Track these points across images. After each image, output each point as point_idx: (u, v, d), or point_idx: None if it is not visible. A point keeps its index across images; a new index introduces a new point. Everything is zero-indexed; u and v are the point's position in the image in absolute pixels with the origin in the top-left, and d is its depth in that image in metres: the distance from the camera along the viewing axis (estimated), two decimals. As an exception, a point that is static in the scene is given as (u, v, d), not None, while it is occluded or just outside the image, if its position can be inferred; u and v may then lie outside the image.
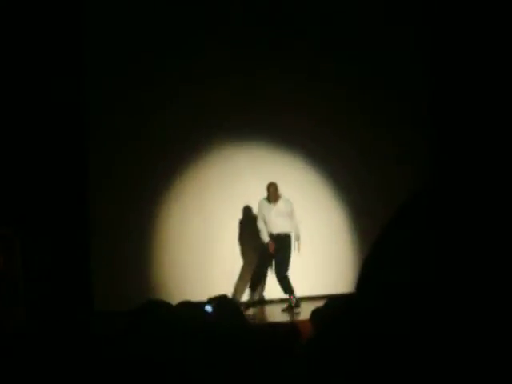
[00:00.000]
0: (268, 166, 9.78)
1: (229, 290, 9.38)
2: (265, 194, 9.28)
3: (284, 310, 9.05)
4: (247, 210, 9.82)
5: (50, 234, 8.61)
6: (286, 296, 9.13)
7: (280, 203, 9.29)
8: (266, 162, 9.84)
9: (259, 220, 9.31)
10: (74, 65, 8.92)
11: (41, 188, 8.71)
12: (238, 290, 9.73)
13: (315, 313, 3.74)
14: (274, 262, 9.20)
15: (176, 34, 9.60)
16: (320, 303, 3.76)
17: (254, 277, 9.31)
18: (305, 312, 7.21)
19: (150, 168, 9.47)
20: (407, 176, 9.90)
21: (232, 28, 9.70)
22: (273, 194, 9.30)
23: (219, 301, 2.83)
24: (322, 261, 9.94)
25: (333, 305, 2.98)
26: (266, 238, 9.19)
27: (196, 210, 9.66)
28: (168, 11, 9.56)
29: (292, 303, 9.08)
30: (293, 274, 9.19)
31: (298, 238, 9.28)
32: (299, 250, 9.23)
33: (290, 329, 3.83)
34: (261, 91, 9.80)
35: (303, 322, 4.58)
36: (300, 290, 9.30)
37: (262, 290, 9.52)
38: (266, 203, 9.34)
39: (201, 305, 2.85)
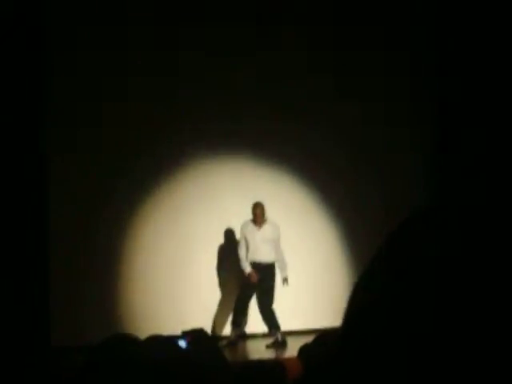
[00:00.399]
0: (252, 183, 9.45)
1: (206, 324, 9.00)
2: (249, 214, 8.95)
3: (269, 346, 8.78)
4: (228, 233, 9.52)
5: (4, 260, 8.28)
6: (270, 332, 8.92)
7: (266, 227, 8.97)
8: (250, 178, 9.49)
9: (241, 246, 8.97)
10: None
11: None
12: (217, 323, 9.48)
13: (304, 349, 3.52)
14: (256, 294, 8.89)
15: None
16: (310, 338, 3.57)
17: (236, 309, 9.00)
18: (293, 348, 6.93)
19: (117, 183, 9.10)
20: (406, 193, 9.75)
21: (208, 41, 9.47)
22: (259, 216, 8.94)
23: (195, 335, 2.60)
24: (314, 291, 9.71)
25: (322, 341, 2.77)
26: (247, 269, 8.85)
27: (170, 231, 9.31)
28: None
29: (278, 339, 8.80)
30: (280, 305, 8.99)
31: (284, 269, 9.01)
32: (287, 283, 8.98)
33: (275, 367, 3.62)
34: (245, 97, 9.54)
35: (290, 359, 4.36)
36: (289, 324, 9.09)
37: (244, 323, 9.25)
38: (250, 226, 8.97)
39: (173, 339, 2.62)
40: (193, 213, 9.36)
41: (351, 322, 0.85)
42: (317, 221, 9.82)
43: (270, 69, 9.57)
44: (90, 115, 9.04)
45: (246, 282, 8.83)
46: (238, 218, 9.07)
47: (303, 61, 9.73)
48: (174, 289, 9.26)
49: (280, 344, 8.72)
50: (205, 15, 9.42)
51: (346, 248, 9.88)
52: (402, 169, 9.96)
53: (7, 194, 8.49)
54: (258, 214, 8.89)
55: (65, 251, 8.83)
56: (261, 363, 3.80)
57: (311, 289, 9.66)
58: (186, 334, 2.67)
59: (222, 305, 9.43)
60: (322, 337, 2.70)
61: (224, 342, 8.67)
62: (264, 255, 8.85)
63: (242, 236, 8.94)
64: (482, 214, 0.79)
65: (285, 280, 8.92)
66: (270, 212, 9.03)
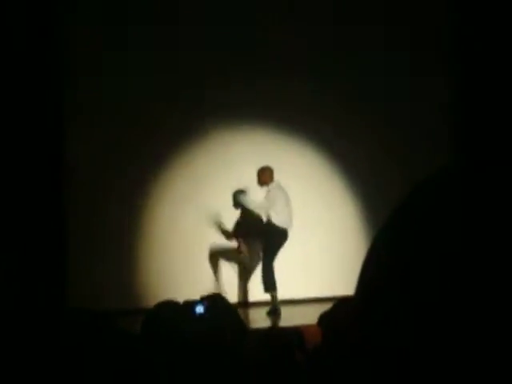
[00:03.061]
0: (268, 152, 9.25)
1: (226, 290, 8.99)
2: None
3: (268, 313, 8.54)
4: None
5: (23, 231, 8.29)
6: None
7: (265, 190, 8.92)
8: (266, 148, 9.32)
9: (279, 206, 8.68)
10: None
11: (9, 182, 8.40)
12: (241, 288, 9.40)
13: (324, 317, 3.48)
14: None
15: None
16: (327, 306, 3.53)
17: (265, 274, 8.72)
18: (306, 316, 6.86)
19: (135, 155, 9.07)
20: (429, 166, 9.56)
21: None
22: (262, 180, 8.82)
23: (212, 300, 2.56)
24: (325, 258, 9.55)
25: (341, 309, 2.73)
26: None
27: (187, 200, 9.22)
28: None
29: (273, 307, 8.60)
30: (296, 273, 8.89)
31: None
32: None
33: (293, 334, 3.59)
34: (261, 64, 9.38)
35: (309, 326, 4.32)
36: (301, 292, 9.05)
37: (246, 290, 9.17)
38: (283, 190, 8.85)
39: (190, 304, 2.58)
40: (210, 181, 9.26)
41: (365, 292, 0.84)
42: (335, 190, 9.67)
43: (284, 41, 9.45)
44: (105, 90, 9.04)
45: (268, 242, 8.66)
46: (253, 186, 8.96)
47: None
48: (190, 256, 9.18)
49: (273, 312, 8.50)
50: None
51: (360, 214, 9.72)
52: (424, 130, 9.73)
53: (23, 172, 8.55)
54: (262, 178, 8.80)
55: (82, 222, 8.85)
56: (280, 330, 3.77)
57: (323, 256, 9.51)
58: (203, 299, 2.64)
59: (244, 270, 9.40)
60: (341, 304, 2.66)
61: (267, 310, 8.50)
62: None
63: (280, 197, 8.69)
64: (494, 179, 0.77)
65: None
66: (285, 178, 8.88)
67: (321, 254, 9.51)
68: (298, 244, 9.01)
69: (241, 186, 9.26)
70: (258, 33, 9.40)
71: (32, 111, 8.56)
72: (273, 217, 8.69)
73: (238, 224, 9.31)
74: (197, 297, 2.80)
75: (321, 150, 9.66)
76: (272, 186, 8.78)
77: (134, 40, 9.12)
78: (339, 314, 2.87)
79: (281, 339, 3.46)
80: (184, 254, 9.22)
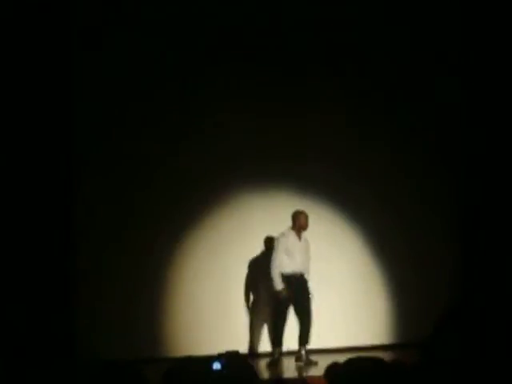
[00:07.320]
0: (288, 217, 9.09)
1: (243, 345, 9.14)
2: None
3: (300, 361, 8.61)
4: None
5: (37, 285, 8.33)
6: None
7: (303, 239, 8.81)
8: (287, 213, 9.12)
9: (277, 257, 8.57)
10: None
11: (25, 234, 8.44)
12: (255, 343, 9.42)
13: (331, 369, 3.55)
14: (294, 307, 8.68)
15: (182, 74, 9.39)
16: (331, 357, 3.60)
17: (275, 327, 8.79)
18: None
19: (162, 220, 9.22)
20: (437, 223, 9.86)
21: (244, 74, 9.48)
22: (305, 225, 8.69)
23: (229, 357, 2.64)
24: (343, 310, 9.66)
25: (354, 364, 2.79)
26: (279, 285, 8.53)
27: (210, 266, 9.34)
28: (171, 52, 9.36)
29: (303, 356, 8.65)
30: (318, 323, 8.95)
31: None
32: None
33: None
34: (279, 134, 9.54)
35: (314, 377, 4.37)
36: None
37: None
38: (292, 236, 8.68)
39: (208, 361, 2.66)
40: (231, 246, 9.35)
41: None
42: (355, 248, 9.76)
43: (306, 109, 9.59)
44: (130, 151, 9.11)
45: (278, 297, 8.58)
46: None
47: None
48: (214, 308, 9.29)
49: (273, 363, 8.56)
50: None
51: (378, 269, 9.84)
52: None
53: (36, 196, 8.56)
54: (304, 223, 8.60)
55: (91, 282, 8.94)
56: (285, 381, 3.83)
57: (342, 307, 9.61)
58: (221, 356, 2.71)
59: (257, 325, 9.42)
60: (355, 360, 2.74)
61: (268, 361, 8.58)
62: (301, 266, 8.63)
63: (282, 247, 8.59)
64: None
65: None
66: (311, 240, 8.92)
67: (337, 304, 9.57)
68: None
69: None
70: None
71: (43, 173, 8.64)
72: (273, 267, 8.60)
73: None
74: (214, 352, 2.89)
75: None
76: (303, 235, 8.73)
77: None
78: (349, 367, 2.93)
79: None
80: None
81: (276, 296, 8.62)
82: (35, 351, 7.95)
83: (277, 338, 8.70)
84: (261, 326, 9.39)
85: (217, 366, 2.71)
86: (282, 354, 8.69)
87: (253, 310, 9.37)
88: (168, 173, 9.21)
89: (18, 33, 8.51)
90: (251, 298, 9.37)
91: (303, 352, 8.61)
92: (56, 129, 8.73)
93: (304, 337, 8.64)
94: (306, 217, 8.68)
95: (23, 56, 8.53)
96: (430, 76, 9.94)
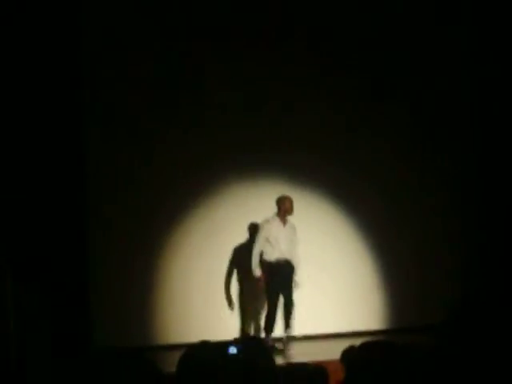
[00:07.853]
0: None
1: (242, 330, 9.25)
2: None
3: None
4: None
5: (48, 273, 8.39)
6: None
7: (288, 225, 8.71)
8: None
9: (259, 244, 8.53)
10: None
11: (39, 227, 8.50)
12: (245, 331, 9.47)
13: (346, 354, 3.58)
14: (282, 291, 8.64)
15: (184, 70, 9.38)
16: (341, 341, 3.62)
17: (267, 317, 8.80)
18: (328, 351, 6.97)
19: (156, 207, 9.24)
20: (429, 203, 9.88)
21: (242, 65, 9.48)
22: (290, 210, 8.59)
23: (247, 342, 2.66)
24: (332, 295, 9.71)
25: (368, 348, 2.83)
26: (257, 271, 8.50)
27: (204, 252, 9.36)
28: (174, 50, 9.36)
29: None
30: (311, 310, 9.06)
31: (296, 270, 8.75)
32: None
33: (317, 370, 3.67)
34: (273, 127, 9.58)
35: (332, 362, 4.40)
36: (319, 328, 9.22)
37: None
38: (276, 222, 8.61)
39: (224, 345, 2.68)
40: (226, 234, 9.35)
41: None
42: (347, 238, 9.79)
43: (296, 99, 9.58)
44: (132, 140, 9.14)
45: (258, 285, 8.61)
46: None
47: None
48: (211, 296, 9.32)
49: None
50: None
51: (370, 255, 9.88)
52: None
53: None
54: (289, 208, 8.52)
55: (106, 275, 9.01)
56: (303, 366, 3.84)
57: (330, 293, 9.64)
58: (237, 341, 2.73)
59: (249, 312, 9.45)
60: (369, 344, 2.77)
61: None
62: (286, 253, 8.54)
63: (265, 234, 8.52)
64: None
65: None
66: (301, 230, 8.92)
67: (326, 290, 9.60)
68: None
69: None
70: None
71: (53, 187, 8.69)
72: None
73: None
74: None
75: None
76: (289, 221, 8.67)
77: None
78: (364, 351, 2.96)
79: (306, 376, 3.54)
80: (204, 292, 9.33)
81: (256, 284, 8.64)
82: (54, 342, 8.04)
83: (269, 326, 8.69)
84: (250, 314, 9.44)
85: (233, 350, 2.73)
86: (274, 340, 8.68)
87: (240, 299, 9.42)
88: (155, 164, 9.22)
89: (28, 34, 8.58)
90: (234, 286, 9.40)
91: (284, 337, 8.66)
92: (65, 124, 8.78)
93: (285, 322, 8.66)
94: (291, 201, 8.60)
95: (33, 58, 8.58)
96: (427, 67, 10.03)
